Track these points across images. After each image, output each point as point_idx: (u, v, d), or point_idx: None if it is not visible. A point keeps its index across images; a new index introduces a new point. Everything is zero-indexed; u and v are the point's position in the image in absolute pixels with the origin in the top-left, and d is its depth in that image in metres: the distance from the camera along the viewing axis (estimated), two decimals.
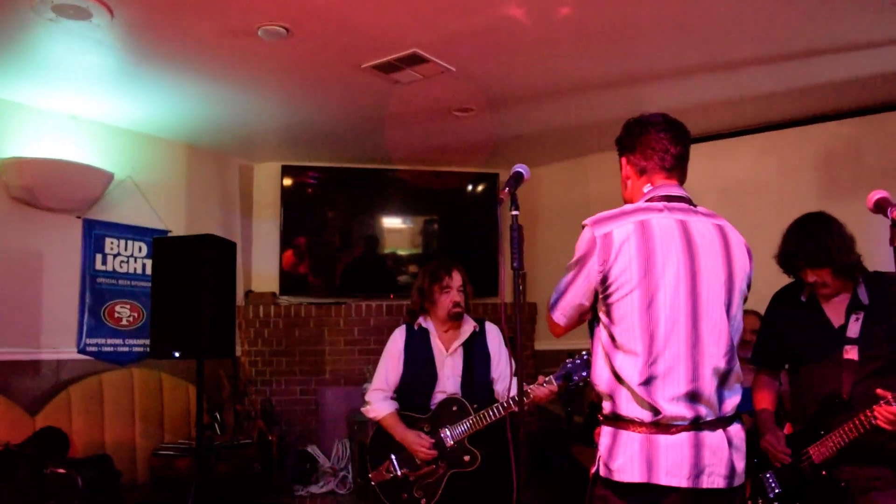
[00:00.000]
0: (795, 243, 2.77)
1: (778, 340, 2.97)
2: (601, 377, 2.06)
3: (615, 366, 2.00)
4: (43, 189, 4.67)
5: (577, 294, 2.06)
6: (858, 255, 2.74)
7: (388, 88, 4.56)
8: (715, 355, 1.98)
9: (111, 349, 5.12)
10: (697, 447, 1.94)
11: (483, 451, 3.25)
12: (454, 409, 3.34)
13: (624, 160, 2.22)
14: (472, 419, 3.26)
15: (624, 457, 1.95)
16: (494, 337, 3.53)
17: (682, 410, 1.93)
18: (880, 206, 2.12)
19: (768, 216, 5.35)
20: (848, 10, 3.62)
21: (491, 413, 3.19)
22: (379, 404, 3.49)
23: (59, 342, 4.85)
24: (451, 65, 4.21)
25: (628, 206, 2.08)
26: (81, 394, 4.80)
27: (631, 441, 1.96)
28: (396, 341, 3.60)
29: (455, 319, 3.49)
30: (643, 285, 1.96)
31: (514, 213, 2.11)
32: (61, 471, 4.13)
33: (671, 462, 1.92)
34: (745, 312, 4.45)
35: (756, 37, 3.94)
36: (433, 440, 3.32)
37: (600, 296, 2.03)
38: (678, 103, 5.00)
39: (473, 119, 5.25)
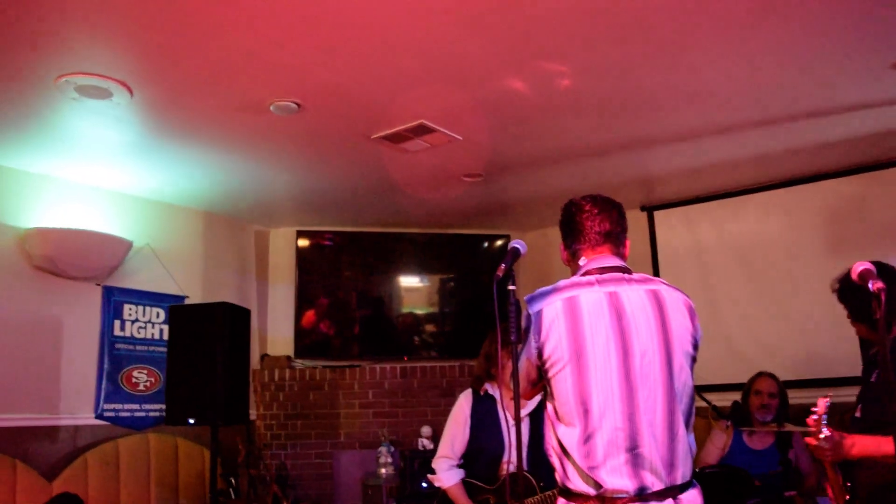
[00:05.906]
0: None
1: None
2: (550, 448, 2.12)
3: (559, 436, 2.06)
4: (64, 258, 4.78)
5: (523, 366, 2.15)
6: None
7: (398, 157, 4.68)
8: (656, 424, 2.00)
9: (128, 414, 5.17)
10: None
11: None
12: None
13: (562, 245, 2.33)
14: (535, 500, 3.16)
15: None
16: None
17: (625, 482, 1.96)
18: (863, 278, 2.15)
19: (775, 274, 5.36)
20: (848, 73, 3.69)
21: (552, 497, 3.05)
22: (444, 474, 3.48)
23: (77, 408, 4.89)
24: (457, 134, 4.32)
25: (562, 282, 2.15)
26: (98, 459, 4.82)
27: None
28: (463, 408, 3.54)
29: None
30: (573, 362, 2.02)
31: (512, 287, 2.16)
32: None
33: None
34: (761, 375, 4.35)
35: (758, 101, 4.01)
36: None
37: (543, 370, 2.10)
38: (683, 164, 5.08)
39: (483, 184, 5.34)
